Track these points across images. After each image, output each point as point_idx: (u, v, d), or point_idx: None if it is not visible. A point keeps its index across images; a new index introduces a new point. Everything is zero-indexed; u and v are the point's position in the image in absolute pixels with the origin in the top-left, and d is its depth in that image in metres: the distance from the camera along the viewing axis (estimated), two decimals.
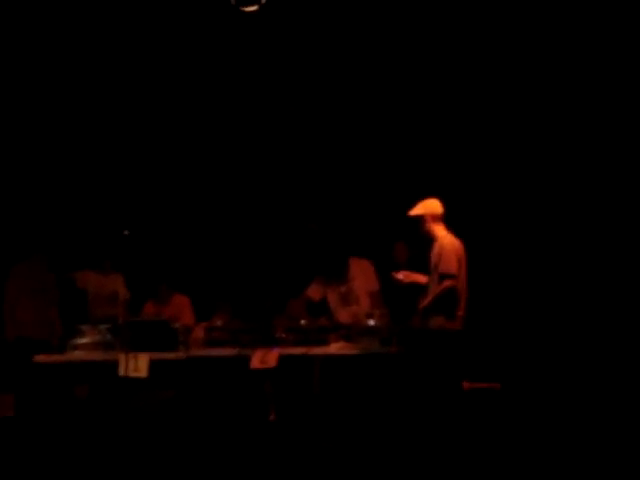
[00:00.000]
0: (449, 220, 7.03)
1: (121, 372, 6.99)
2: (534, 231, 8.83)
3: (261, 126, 9.51)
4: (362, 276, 8.18)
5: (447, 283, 6.79)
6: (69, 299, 8.44)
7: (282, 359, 7.03)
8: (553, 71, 8.70)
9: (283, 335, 7.32)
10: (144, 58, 9.02)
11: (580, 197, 8.73)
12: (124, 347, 7.13)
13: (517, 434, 6.90)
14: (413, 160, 9.15)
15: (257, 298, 8.54)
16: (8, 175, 9.24)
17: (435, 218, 6.97)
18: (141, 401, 7.13)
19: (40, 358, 7.31)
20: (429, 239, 6.96)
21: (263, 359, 7.06)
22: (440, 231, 6.96)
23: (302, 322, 7.54)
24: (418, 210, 7.00)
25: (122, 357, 7.03)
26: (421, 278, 7.08)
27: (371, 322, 7.32)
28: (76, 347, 7.41)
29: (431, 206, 7.00)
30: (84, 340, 7.42)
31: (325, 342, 7.29)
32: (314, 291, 8.21)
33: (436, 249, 6.90)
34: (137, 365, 6.99)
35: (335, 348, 7.25)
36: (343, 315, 8.01)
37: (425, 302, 6.88)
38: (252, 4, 7.86)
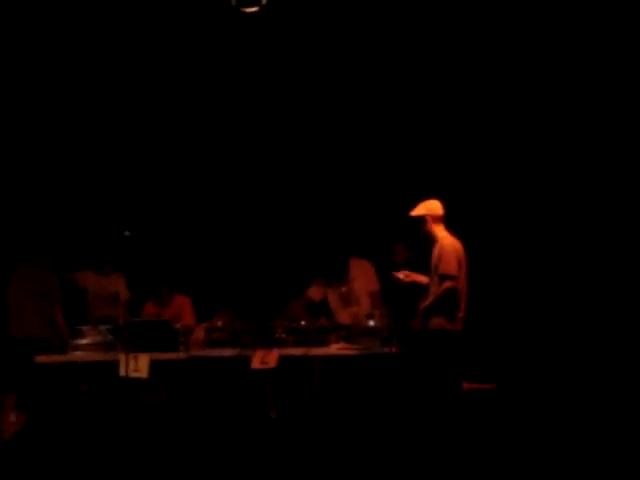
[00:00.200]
0: (449, 221, 7.04)
1: (122, 372, 6.99)
2: (533, 232, 8.83)
3: (261, 127, 9.51)
4: (362, 277, 8.19)
5: (447, 284, 6.80)
6: (70, 300, 8.43)
7: (282, 360, 7.04)
8: (553, 71, 8.71)
9: (283, 336, 7.32)
10: (145, 59, 9.03)
11: (579, 199, 8.74)
12: (125, 347, 7.13)
13: (517, 434, 6.90)
14: (413, 161, 9.15)
15: (258, 299, 8.55)
16: (10, 177, 9.23)
17: (436, 219, 6.99)
18: (140, 401, 7.13)
19: (41, 358, 7.31)
20: (429, 240, 6.97)
21: (263, 360, 7.07)
22: (440, 232, 6.97)
23: (302, 323, 7.55)
24: (419, 211, 7.02)
25: (123, 357, 7.02)
26: (421, 278, 7.10)
27: (371, 323, 7.33)
28: (77, 347, 7.42)
29: (432, 207, 7.01)
30: (85, 341, 7.42)
31: (325, 343, 7.30)
32: (315, 292, 8.23)
33: (436, 250, 6.91)
34: (138, 365, 6.99)
35: (335, 349, 7.25)
36: (343, 316, 8.03)
37: (425, 303, 6.89)
38: (252, 5, 7.86)
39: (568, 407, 7.52)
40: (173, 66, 9.12)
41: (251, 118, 9.46)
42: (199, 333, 7.63)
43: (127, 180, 9.55)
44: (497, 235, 8.78)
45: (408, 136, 9.23)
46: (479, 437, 6.69)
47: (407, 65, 8.99)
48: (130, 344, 7.14)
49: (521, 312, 8.59)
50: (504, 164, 8.94)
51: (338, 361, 7.14)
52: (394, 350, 7.04)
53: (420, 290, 7.06)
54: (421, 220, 6.99)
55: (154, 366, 7.02)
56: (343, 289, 8.15)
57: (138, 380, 6.98)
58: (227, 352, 7.25)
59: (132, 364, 6.99)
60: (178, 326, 7.53)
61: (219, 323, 7.79)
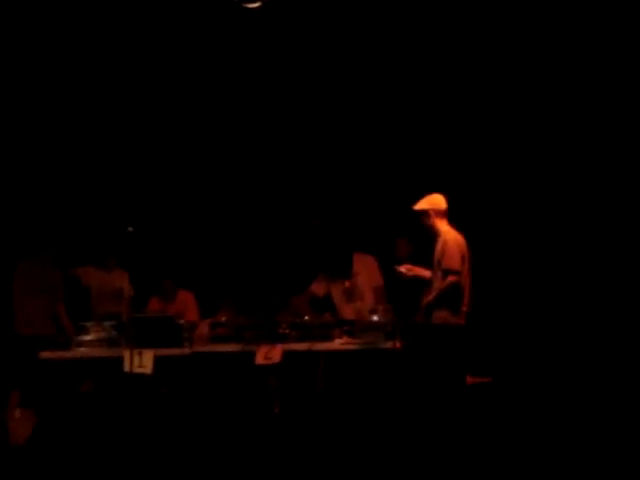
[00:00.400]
0: (452, 216, 7.04)
1: (126, 368, 7.01)
2: (536, 227, 8.82)
3: (265, 123, 9.51)
4: (366, 272, 8.19)
5: (451, 279, 6.80)
6: (73, 296, 8.44)
7: (286, 355, 7.05)
8: (554, 68, 8.70)
9: (287, 331, 7.32)
10: (146, 55, 9.03)
11: (582, 194, 8.73)
12: (129, 343, 7.15)
13: (520, 428, 6.91)
14: (416, 156, 9.14)
15: (261, 294, 8.56)
16: (13, 173, 9.25)
17: (439, 213, 6.98)
18: (143, 397, 7.15)
19: (45, 354, 7.33)
20: (432, 234, 6.97)
21: (267, 355, 7.08)
22: (443, 226, 6.97)
23: (306, 318, 7.55)
24: (422, 205, 7.01)
25: (127, 353, 7.05)
26: (424, 272, 7.10)
27: (375, 318, 7.32)
28: (81, 344, 7.43)
29: (435, 201, 7.01)
30: (89, 337, 7.44)
31: (329, 338, 7.30)
32: (318, 287, 8.23)
33: (439, 245, 6.90)
34: (142, 361, 7.01)
35: (339, 344, 7.25)
36: (347, 311, 8.03)
37: (429, 298, 6.89)
38: (254, 1, 7.87)
39: (571, 401, 7.52)
40: (175, 62, 9.13)
41: (254, 114, 9.46)
42: (203, 329, 7.64)
43: (130, 176, 9.55)
44: (500, 229, 8.77)
45: (411, 131, 9.22)
46: (482, 431, 6.69)
47: (409, 61, 8.98)
48: (134, 340, 7.16)
49: (524, 306, 8.59)
50: (506, 158, 8.93)
51: (342, 356, 7.15)
52: (398, 345, 7.03)
53: (423, 285, 7.07)
54: (424, 214, 6.99)
55: (158, 362, 7.03)
56: (347, 284, 8.15)
57: (142, 376, 7.00)
58: (231, 347, 7.27)
59: (136, 360, 7.02)
60: (182, 322, 7.55)
61: (223, 319, 7.78)
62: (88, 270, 8.62)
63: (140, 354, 7.03)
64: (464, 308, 6.84)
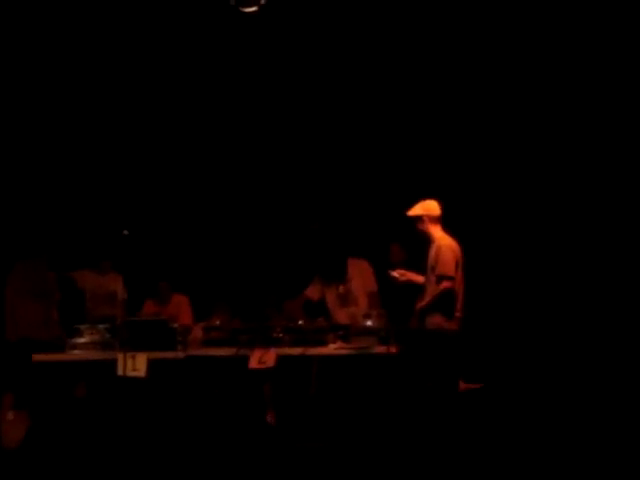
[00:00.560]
0: (446, 222, 7.05)
1: (119, 372, 7.01)
2: (531, 233, 8.84)
3: (260, 126, 9.52)
4: (360, 277, 8.19)
5: (445, 284, 6.81)
6: (68, 299, 8.44)
7: (280, 359, 7.05)
8: (551, 71, 8.71)
9: (281, 335, 7.31)
10: (144, 59, 9.04)
11: (577, 201, 8.74)
12: (123, 347, 7.14)
13: (514, 434, 6.92)
14: (411, 162, 9.15)
15: (256, 298, 8.56)
16: (7, 175, 9.24)
17: (433, 219, 6.99)
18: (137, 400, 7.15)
19: (39, 357, 7.32)
20: (426, 240, 6.98)
21: (261, 359, 7.07)
22: (438, 232, 6.98)
23: (300, 322, 7.55)
24: (416, 211, 7.02)
25: (121, 356, 7.04)
26: (417, 277, 7.11)
27: (369, 323, 7.32)
28: (75, 346, 7.42)
29: (429, 207, 7.01)
30: (83, 339, 7.42)
31: (323, 342, 7.28)
32: (312, 291, 8.23)
33: (434, 250, 6.91)
34: (135, 364, 7.00)
35: (333, 348, 7.25)
36: (341, 315, 8.02)
37: (423, 303, 6.90)
38: (251, 5, 7.87)
39: (565, 407, 7.53)
40: (172, 65, 9.13)
41: (250, 118, 9.47)
42: (197, 332, 7.63)
43: (125, 179, 9.56)
44: (493, 235, 8.78)
45: (405, 137, 9.24)
46: (475, 437, 6.70)
47: (404, 66, 9.00)
48: (128, 343, 7.15)
49: (518, 312, 8.60)
50: (501, 164, 8.94)
51: (336, 361, 7.14)
52: (392, 350, 7.03)
53: (417, 290, 7.07)
54: (418, 220, 7.00)
55: (152, 365, 7.03)
56: (341, 289, 8.15)
57: (136, 379, 6.99)
58: (225, 351, 7.25)
59: (130, 363, 7.01)
60: (176, 325, 7.53)
61: (217, 322, 7.77)
62: (83, 273, 8.63)
63: (134, 357, 7.02)
64: (458, 314, 6.85)
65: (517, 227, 8.84)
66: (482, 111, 9.01)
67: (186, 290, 8.73)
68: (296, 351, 7.17)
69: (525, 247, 8.83)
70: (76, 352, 7.36)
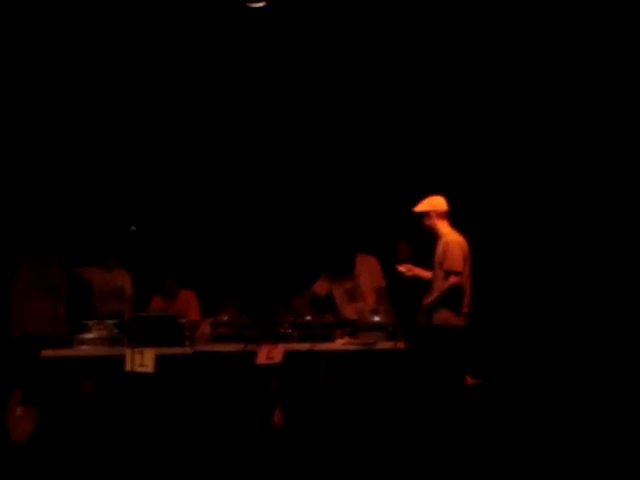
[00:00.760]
0: (453, 217, 7.04)
1: (127, 367, 7.02)
2: (537, 228, 8.83)
3: (268, 122, 9.52)
4: (368, 273, 8.20)
5: (452, 280, 6.80)
6: (76, 295, 8.46)
7: (288, 355, 7.05)
8: (554, 68, 8.70)
9: (289, 331, 7.32)
10: (150, 55, 9.04)
11: (582, 195, 8.73)
12: (130, 342, 7.15)
13: (520, 429, 6.91)
14: (418, 158, 9.15)
15: (264, 294, 8.56)
16: (15, 173, 9.26)
17: (440, 215, 6.99)
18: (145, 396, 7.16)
19: (47, 353, 7.33)
20: (433, 236, 6.98)
21: (269, 355, 7.07)
22: (445, 228, 6.98)
23: (308, 318, 7.55)
24: (423, 207, 7.02)
25: (128, 352, 7.05)
26: (424, 273, 7.10)
27: (376, 318, 7.32)
28: (83, 342, 7.43)
29: (436, 203, 7.01)
30: (91, 335, 7.43)
31: (331, 338, 7.29)
32: (320, 287, 8.24)
33: (441, 246, 6.91)
34: (143, 360, 7.01)
35: (340, 344, 7.26)
36: (349, 311, 8.03)
37: (430, 298, 6.90)
38: (259, 0, 7.87)
39: (571, 402, 7.52)
40: (178, 61, 9.13)
41: (257, 113, 9.47)
42: (205, 328, 7.63)
43: (133, 175, 9.57)
44: (500, 230, 8.78)
45: (413, 133, 9.24)
46: (483, 432, 6.69)
47: (412, 61, 8.98)
48: (136, 339, 7.16)
49: (525, 307, 8.60)
50: (507, 159, 8.94)
51: (343, 356, 7.15)
52: (399, 345, 7.03)
53: (425, 286, 7.07)
54: (425, 216, 6.99)
55: (160, 361, 7.04)
56: (349, 284, 8.17)
57: (144, 375, 7.00)
58: (233, 347, 7.25)
59: (138, 359, 7.01)
60: (184, 321, 7.54)
61: (225, 318, 7.77)
62: (90, 269, 8.65)
63: (142, 353, 7.02)
64: (465, 309, 6.84)
65: (524, 222, 8.84)
66: (488, 107, 9.01)
67: (194, 286, 8.74)
68: (304, 347, 7.18)
69: (532, 242, 8.83)
70: (84, 348, 7.37)
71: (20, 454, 6.71)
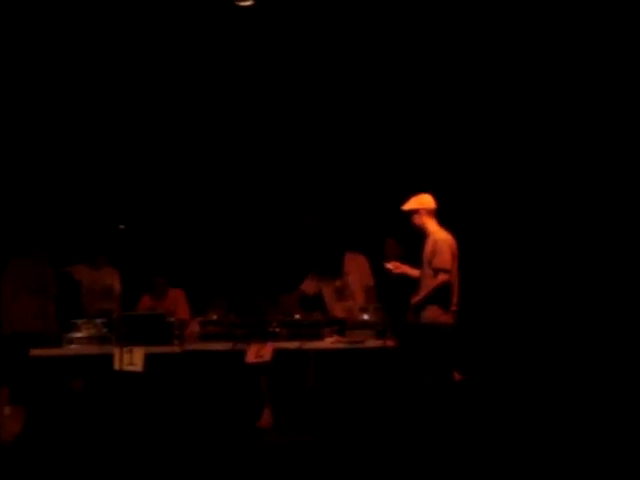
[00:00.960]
0: (441, 215, 7.05)
1: (116, 366, 7.02)
2: (525, 226, 8.85)
3: (257, 121, 9.52)
4: (357, 271, 8.21)
5: (441, 278, 6.80)
6: (64, 294, 8.45)
7: (277, 353, 7.06)
8: (548, 68, 8.71)
9: (278, 329, 7.33)
10: (140, 53, 9.02)
11: (572, 193, 8.76)
12: (119, 341, 7.16)
13: (508, 426, 6.94)
14: (406, 156, 9.16)
15: (252, 292, 8.57)
16: (5, 171, 9.24)
17: (428, 213, 6.98)
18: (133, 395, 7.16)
19: (36, 352, 7.33)
20: (422, 234, 6.98)
21: (258, 353, 7.09)
22: (433, 226, 6.97)
23: (297, 316, 7.56)
24: (411, 205, 7.01)
25: (117, 351, 7.06)
26: (412, 271, 7.10)
27: (365, 316, 7.34)
28: (72, 341, 7.43)
29: (424, 201, 7.01)
30: (80, 334, 7.43)
31: (319, 336, 7.30)
32: (309, 286, 8.25)
33: (429, 244, 6.90)
34: (132, 359, 7.02)
35: (329, 342, 7.27)
36: (338, 309, 8.04)
37: (418, 296, 6.90)
38: None
39: (560, 398, 7.55)
40: (168, 60, 9.12)
41: (246, 113, 9.47)
42: (194, 327, 7.65)
43: (121, 174, 9.56)
44: (488, 228, 8.80)
45: (400, 131, 9.25)
46: (471, 430, 6.71)
47: (400, 62, 8.99)
48: (125, 338, 7.17)
49: (513, 305, 8.62)
50: (495, 157, 8.96)
51: (332, 355, 7.16)
52: (388, 343, 7.05)
53: (414, 284, 7.07)
54: (414, 214, 6.99)
55: (149, 360, 7.04)
56: (338, 283, 8.17)
57: (133, 373, 7.00)
58: (221, 346, 7.27)
59: (127, 358, 7.02)
60: (173, 320, 7.55)
61: (214, 317, 7.78)
62: (79, 268, 8.63)
63: (130, 352, 7.03)
64: (453, 307, 6.85)
65: (512, 220, 8.86)
66: (476, 106, 9.02)
67: (182, 284, 8.73)
68: (293, 345, 7.19)
69: (520, 240, 8.84)
70: (73, 347, 7.38)
71: (8, 453, 6.69)
